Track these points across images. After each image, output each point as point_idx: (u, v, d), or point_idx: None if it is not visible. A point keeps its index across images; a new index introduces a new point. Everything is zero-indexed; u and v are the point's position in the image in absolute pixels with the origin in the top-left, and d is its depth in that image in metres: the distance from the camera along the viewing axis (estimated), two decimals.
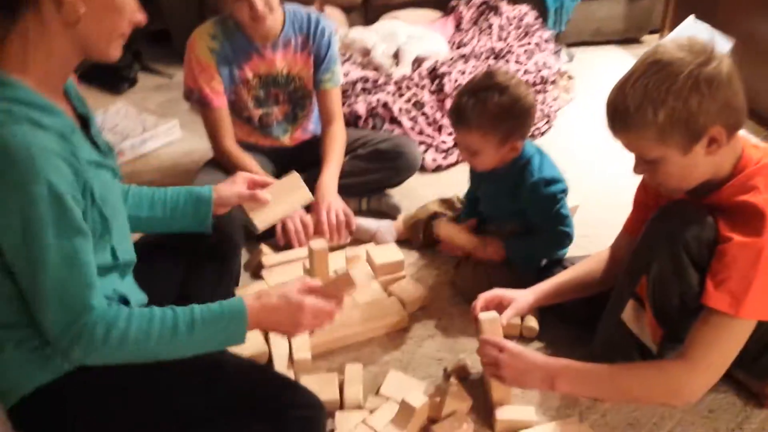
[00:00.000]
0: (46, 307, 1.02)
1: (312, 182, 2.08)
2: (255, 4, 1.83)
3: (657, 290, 1.30)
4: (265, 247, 1.91)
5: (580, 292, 1.58)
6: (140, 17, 1.13)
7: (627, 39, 3.70)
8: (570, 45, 3.55)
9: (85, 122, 1.17)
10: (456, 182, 2.22)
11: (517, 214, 1.74)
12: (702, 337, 1.22)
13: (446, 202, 2.07)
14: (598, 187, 2.35)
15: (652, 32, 3.69)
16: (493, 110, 1.58)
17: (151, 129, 2.57)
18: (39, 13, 1.02)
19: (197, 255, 1.48)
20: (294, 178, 1.57)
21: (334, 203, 1.94)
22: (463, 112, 1.61)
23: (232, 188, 1.45)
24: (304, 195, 1.58)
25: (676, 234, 1.25)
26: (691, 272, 1.25)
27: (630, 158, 1.29)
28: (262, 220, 1.54)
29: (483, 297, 1.54)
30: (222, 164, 2.06)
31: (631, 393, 1.30)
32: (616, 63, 3.46)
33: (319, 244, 1.66)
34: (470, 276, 1.79)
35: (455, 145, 2.56)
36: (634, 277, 1.35)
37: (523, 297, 1.54)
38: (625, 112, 1.19)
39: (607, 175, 2.42)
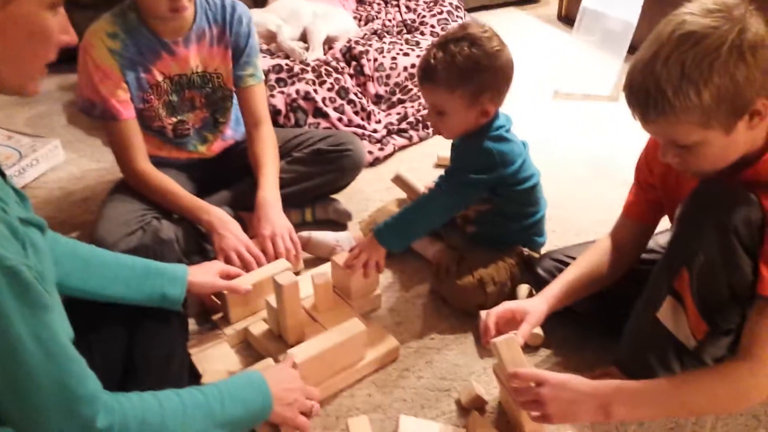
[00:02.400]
0: (46, 420, 0.82)
1: (242, 197, 1.80)
2: None
3: (704, 282, 1.15)
4: None
5: (588, 290, 1.43)
6: (68, 38, 0.86)
7: None
8: (470, 11, 3.42)
9: None
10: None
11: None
12: (762, 332, 1.09)
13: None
14: (550, 162, 2.18)
15: None
16: (461, 63, 1.41)
17: (30, 154, 2.12)
18: None
19: (139, 314, 1.22)
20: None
21: (278, 227, 1.65)
22: (430, 66, 1.44)
23: (204, 277, 1.38)
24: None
25: (723, 220, 1.10)
26: (743, 259, 1.10)
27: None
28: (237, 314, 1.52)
29: (493, 315, 1.34)
30: (135, 188, 1.71)
31: (698, 406, 1.14)
32: (518, 25, 3.49)
33: (287, 277, 1.39)
34: (456, 285, 1.57)
35: (389, 132, 2.33)
36: (673, 272, 1.19)
37: (537, 307, 1.36)
38: (661, 97, 1.02)
39: (554, 147, 2.26)
